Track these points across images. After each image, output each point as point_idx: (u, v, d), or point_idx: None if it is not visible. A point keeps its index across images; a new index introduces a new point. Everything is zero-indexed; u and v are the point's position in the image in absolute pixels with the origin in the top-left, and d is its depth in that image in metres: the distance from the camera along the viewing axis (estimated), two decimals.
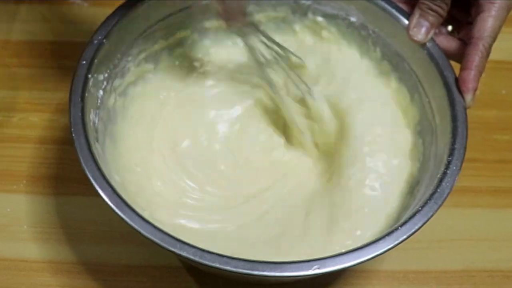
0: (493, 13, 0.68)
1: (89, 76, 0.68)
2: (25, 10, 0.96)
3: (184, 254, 0.58)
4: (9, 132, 0.85)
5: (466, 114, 0.67)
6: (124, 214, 0.60)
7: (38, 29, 0.94)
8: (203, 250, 0.58)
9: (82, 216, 0.79)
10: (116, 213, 0.60)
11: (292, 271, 0.58)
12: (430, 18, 0.70)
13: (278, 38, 0.78)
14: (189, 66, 0.82)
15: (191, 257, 0.58)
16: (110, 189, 0.61)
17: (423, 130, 0.73)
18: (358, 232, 0.68)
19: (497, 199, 0.84)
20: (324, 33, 0.81)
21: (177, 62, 0.81)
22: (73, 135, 0.64)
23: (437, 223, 0.75)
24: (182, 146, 0.79)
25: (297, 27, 0.82)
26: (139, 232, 0.59)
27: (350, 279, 0.77)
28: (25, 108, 0.87)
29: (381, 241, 0.60)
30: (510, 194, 0.84)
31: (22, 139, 0.85)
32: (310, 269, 0.58)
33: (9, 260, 0.76)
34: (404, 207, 0.68)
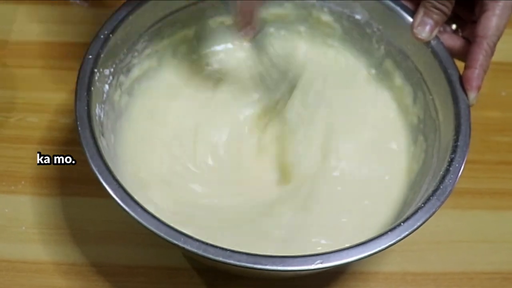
0: (497, 12, 0.69)
1: (95, 70, 0.68)
2: (25, 11, 0.96)
3: (188, 247, 0.58)
4: (7, 133, 0.85)
5: (469, 112, 0.68)
6: (129, 208, 0.60)
7: (38, 29, 0.94)
8: (206, 244, 0.58)
9: (81, 216, 0.79)
10: (121, 207, 0.60)
11: (295, 265, 0.58)
12: (435, 16, 0.71)
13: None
14: (194, 64, 0.82)
15: (195, 250, 0.58)
16: (115, 182, 0.61)
17: (426, 128, 0.74)
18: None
19: (496, 201, 0.84)
20: (328, 30, 0.82)
21: (182, 60, 0.81)
22: (79, 128, 0.64)
23: (436, 224, 0.77)
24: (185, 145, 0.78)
25: (302, 25, 0.83)
26: (143, 226, 0.59)
27: (348, 282, 0.77)
28: (24, 108, 0.87)
29: (383, 237, 0.60)
30: (509, 196, 0.84)
31: (20, 140, 0.84)
32: (313, 263, 0.58)
33: (8, 261, 0.76)
34: (406, 204, 0.69)
